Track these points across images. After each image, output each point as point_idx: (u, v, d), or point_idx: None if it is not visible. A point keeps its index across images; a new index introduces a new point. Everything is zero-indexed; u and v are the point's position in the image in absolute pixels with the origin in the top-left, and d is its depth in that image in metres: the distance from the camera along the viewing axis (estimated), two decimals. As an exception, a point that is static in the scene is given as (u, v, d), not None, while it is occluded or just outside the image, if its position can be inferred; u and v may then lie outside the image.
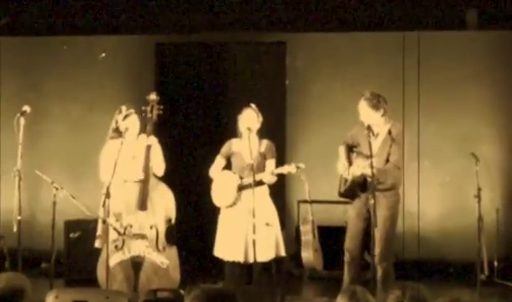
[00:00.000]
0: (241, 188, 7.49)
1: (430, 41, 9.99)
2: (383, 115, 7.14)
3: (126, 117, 7.51)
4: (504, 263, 8.92)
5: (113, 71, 10.41)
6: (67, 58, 10.48)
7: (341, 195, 7.36)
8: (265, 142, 7.63)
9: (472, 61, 9.90)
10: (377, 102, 7.11)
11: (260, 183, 7.42)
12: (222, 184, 7.62)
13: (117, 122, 7.55)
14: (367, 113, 7.12)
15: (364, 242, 7.11)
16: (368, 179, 6.92)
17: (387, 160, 7.10)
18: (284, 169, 7.45)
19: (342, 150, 7.39)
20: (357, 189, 7.15)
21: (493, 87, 9.86)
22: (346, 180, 7.24)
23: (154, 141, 7.55)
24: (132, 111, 7.57)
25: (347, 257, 7.23)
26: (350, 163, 7.30)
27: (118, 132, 7.53)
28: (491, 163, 9.40)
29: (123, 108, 7.56)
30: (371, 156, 6.77)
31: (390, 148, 7.10)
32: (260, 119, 7.58)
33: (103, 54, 10.30)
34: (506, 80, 9.84)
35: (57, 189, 7.16)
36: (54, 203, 7.14)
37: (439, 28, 9.98)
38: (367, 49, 10.11)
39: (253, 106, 7.58)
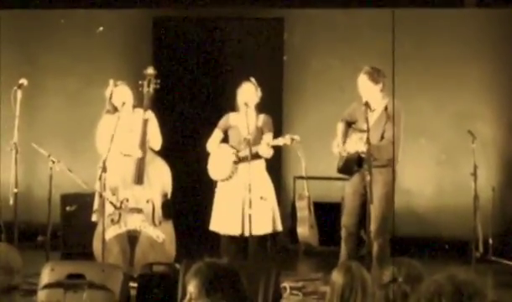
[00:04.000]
0: (237, 161, 7.49)
1: (427, 18, 9.97)
2: (382, 90, 7.14)
3: (115, 87, 7.53)
4: (498, 241, 8.95)
5: (111, 45, 10.39)
6: (65, 31, 10.45)
7: (339, 170, 7.38)
8: (262, 116, 7.62)
9: (470, 39, 9.88)
10: (377, 76, 7.11)
11: (257, 157, 7.42)
12: (218, 157, 7.63)
13: (111, 97, 7.56)
14: (366, 87, 7.11)
15: (361, 218, 7.13)
16: (363, 156, 6.93)
17: (382, 137, 7.10)
18: (280, 141, 7.44)
19: (340, 127, 7.39)
20: (352, 164, 7.15)
21: (490, 65, 9.85)
22: (343, 157, 7.26)
23: (150, 115, 7.57)
24: (120, 82, 7.57)
25: (343, 233, 7.25)
26: (346, 140, 7.31)
27: (114, 108, 7.55)
28: (487, 141, 9.41)
29: (111, 82, 7.57)
30: (368, 131, 6.76)
31: (385, 125, 7.09)
32: (259, 94, 7.57)
33: (101, 29, 10.26)
34: (504, 58, 9.83)
35: (54, 162, 7.17)
36: (51, 176, 7.16)
37: (437, 6, 9.95)
38: (365, 25, 10.08)
39: (252, 80, 7.57)
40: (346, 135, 7.34)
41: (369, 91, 7.09)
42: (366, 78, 7.12)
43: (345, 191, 7.38)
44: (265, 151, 7.45)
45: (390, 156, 7.07)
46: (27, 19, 10.54)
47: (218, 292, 3.51)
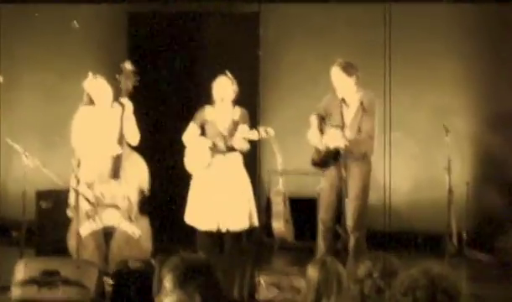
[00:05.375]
0: (214, 154, 7.48)
1: (403, 13, 10.00)
2: (355, 82, 7.15)
3: (93, 81, 7.50)
4: (472, 235, 9.01)
5: (86, 40, 10.33)
6: (39, 26, 10.39)
7: (314, 163, 7.38)
8: (238, 109, 7.63)
9: (445, 34, 9.92)
10: (350, 68, 7.13)
11: (233, 149, 7.42)
12: (194, 150, 7.62)
13: (88, 90, 7.53)
14: (340, 79, 7.11)
15: (338, 212, 7.14)
16: (341, 151, 6.95)
17: (359, 130, 7.12)
18: (254, 134, 7.44)
19: (313, 120, 7.39)
20: (330, 158, 7.16)
21: (465, 60, 9.90)
22: (319, 150, 7.26)
23: (127, 102, 7.53)
24: (98, 76, 7.55)
25: (321, 228, 7.26)
26: (322, 133, 7.32)
27: (91, 100, 7.52)
28: (462, 135, 9.47)
29: (90, 74, 7.55)
30: (343, 126, 6.78)
31: (362, 118, 7.12)
32: (235, 87, 7.57)
33: (75, 23, 10.19)
34: (478, 53, 9.88)
35: (28, 158, 7.14)
36: (25, 172, 7.12)
37: (415, 1, 9.99)
38: (340, 20, 10.11)
39: (228, 74, 7.57)
40: (320, 128, 7.35)
41: (343, 83, 7.09)
42: (339, 70, 7.12)
43: (321, 185, 7.39)
44: (240, 144, 7.45)
45: (367, 149, 7.11)
46: (1, 13, 10.45)
47: (191, 285, 3.51)
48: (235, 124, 7.56)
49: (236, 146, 7.46)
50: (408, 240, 9.49)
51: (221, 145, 7.35)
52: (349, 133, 6.88)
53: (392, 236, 9.45)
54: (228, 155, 7.29)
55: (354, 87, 7.15)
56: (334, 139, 7.05)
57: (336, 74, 7.14)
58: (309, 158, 7.40)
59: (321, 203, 7.34)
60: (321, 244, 7.27)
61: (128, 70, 7.60)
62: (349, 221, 6.97)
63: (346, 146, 6.78)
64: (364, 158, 7.13)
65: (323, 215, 7.28)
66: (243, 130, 7.50)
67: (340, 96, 7.01)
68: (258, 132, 7.41)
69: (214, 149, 7.48)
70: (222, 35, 10.29)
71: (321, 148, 7.22)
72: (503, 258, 8.73)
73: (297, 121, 8.83)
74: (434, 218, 8.89)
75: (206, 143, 7.53)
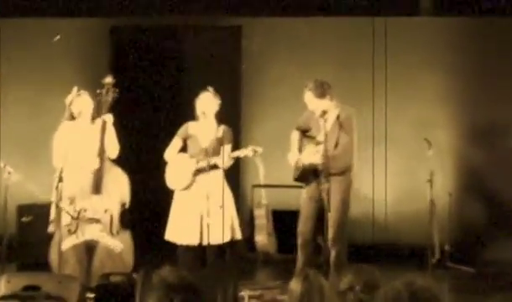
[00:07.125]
0: (196, 172, 7.47)
1: (386, 27, 10.04)
2: (330, 100, 7.16)
3: (76, 96, 7.48)
4: (455, 247, 9.03)
5: (68, 54, 10.30)
6: (21, 41, 10.34)
7: (295, 180, 7.40)
8: (223, 127, 7.60)
9: (425, 47, 9.99)
10: (322, 90, 7.14)
11: (216, 167, 7.40)
12: (176, 167, 7.60)
13: (70, 104, 7.50)
14: (313, 103, 7.15)
15: (317, 224, 7.15)
16: (319, 168, 6.97)
17: (336, 145, 7.13)
18: (241, 153, 7.46)
19: (294, 137, 7.42)
20: (309, 175, 7.18)
21: (446, 72, 9.96)
22: (298, 167, 7.28)
23: (109, 118, 7.52)
24: (82, 92, 7.54)
25: (300, 241, 7.26)
26: (300, 150, 7.34)
27: (73, 116, 7.50)
28: (444, 147, 9.50)
29: (75, 89, 7.52)
30: (325, 142, 6.80)
31: (339, 133, 7.13)
32: (218, 102, 7.55)
33: (58, 37, 10.18)
34: (459, 66, 9.95)
35: (9, 173, 7.11)
36: (7, 187, 7.09)
37: (393, 14, 10.04)
38: (322, 33, 10.14)
39: (210, 89, 7.55)
40: (301, 144, 7.36)
41: (317, 106, 7.12)
42: (311, 95, 7.16)
43: (301, 198, 7.39)
44: (225, 163, 7.44)
45: (345, 164, 7.11)
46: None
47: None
48: (219, 141, 7.51)
49: (220, 165, 7.42)
50: (390, 252, 9.49)
51: (203, 164, 7.32)
52: (326, 149, 6.89)
53: (375, 249, 9.45)
54: (210, 172, 7.27)
55: (330, 105, 7.15)
56: (310, 156, 7.08)
57: (309, 99, 7.19)
58: (291, 171, 7.41)
59: (300, 215, 7.35)
60: (299, 256, 7.26)
61: (109, 83, 7.59)
62: (329, 234, 6.98)
63: (322, 161, 6.80)
64: (344, 173, 7.13)
65: (302, 227, 7.29)
66: (229, 151, 7.49)
67: (323, 111, 7.01)
68: (247, 150, 7.42)
69: (196, 170, 7.45)
70: (204, 49, 10.31)
71: (299, 164, 7.24)
72: (485, 270, 8.76)
73: (280, 134, 8.82)
74: (417, 230, 8.91)
75: (189, 162, 7.50)
